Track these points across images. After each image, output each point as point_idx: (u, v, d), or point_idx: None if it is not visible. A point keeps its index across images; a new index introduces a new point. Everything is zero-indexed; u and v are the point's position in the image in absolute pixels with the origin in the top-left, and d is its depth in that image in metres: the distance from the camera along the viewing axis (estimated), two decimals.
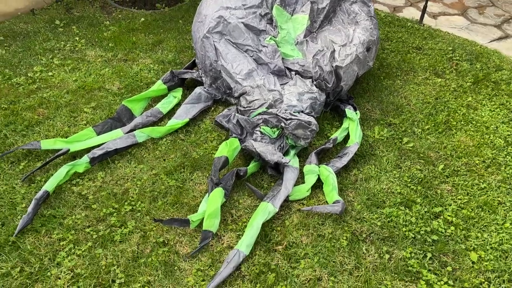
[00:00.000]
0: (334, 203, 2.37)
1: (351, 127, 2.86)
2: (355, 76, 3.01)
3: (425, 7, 4.33)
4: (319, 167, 2.58)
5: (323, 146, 2.71)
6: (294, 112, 2.72)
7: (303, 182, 2.55)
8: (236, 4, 3.04)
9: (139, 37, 3.97)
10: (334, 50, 2.93)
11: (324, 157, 2.76)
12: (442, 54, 3.88)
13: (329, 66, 2.89)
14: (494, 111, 3.24)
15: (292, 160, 2.60)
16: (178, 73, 3.26)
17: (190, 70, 3.31)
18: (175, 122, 2.92)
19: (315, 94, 2.82)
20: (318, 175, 2.55)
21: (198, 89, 3.14)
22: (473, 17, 4.64)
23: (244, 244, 2.16)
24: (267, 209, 2.31)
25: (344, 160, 2.63)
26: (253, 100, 2.82)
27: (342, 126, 2.91)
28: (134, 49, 3.79)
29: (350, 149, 2.70)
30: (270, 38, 2.98)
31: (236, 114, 2.79)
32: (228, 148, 2.55)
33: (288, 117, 2.63)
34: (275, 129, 2.65)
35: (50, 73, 3.45)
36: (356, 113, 2.97)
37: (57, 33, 3.98)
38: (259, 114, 2.73)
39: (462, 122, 3.11)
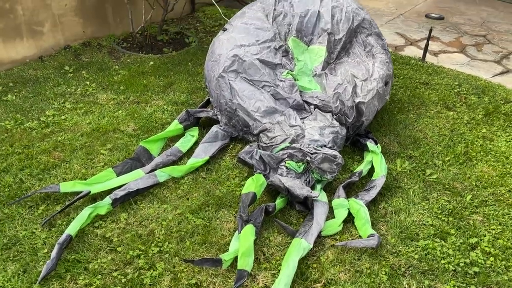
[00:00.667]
0: (368, 237, 2.31)
1: (375, 160, 2.84)
2: (375, 110, 3.04)
3: (426, 45, 4.45)
4: (348, 200, 2.53)
5: (350, 180, 2.68)
6: (317, 146, 2.70)
7: (333, 217, 2.49)
8: (249, 41, 3.07)
9: (149, 79, 3.99)
10: (356, 85, 2.95)
11: (350, 191, 2.72)
12: (450, 89, 3.95)
13: (351, 101, 2.90)
14: (510, 141, 3.27)
15: (320, 195, 2.55)
16: (194, 112, 3.25)
17: (205, 109, 3.31)
18: (195, 160, 2.88)
19: (336, 128, 2.82)
20: (348, 209, 2.50)
21: (214, 128, 3.12)
22: (472, 54, 4.78)
23: (282, 284, 2.06)
24: (301, 245, 2.23)
25: (372, 193, 2.60)
26: (275, 136, 2.80)
27: (365, 160, 2.89)
28: (146, 91, 3.80)
29: (377, 182, 2.67)
30: (287, 73, 3.00)
31: (259, 150, 2.76)
32: (255, 184, 2.50)
33: (312, 151, 2.61)
34: (300, 163, 2.62)
35: (63, 117, 3.41)
36: (378, 147, 2.96)
37: (67, 78, 3.98)
38: (282, 149, 2.71)
39: (481, 153, 3.12)
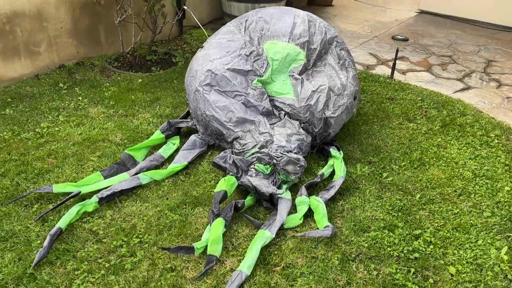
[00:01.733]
0: (324, 228, 2.62)
1: (336, 164, 3.18)
2: (343, 123, 3.38)
3: (394, 64, 4.85)
4: (309, 198, 2.86)
5: (312, 181, 3.01)
6: (283, 152, 3.03)
7: (296, 212, 2.81)
8: (221, 54, 3.36)
9: (137, 95, 4.34)
10: (329, 99, 3.25)
11: (313, 191, 3.04)
12: (413, 103, 4.32)
13: (321, 114, 3.22)
14: (461, 149, 3.62)
15: (285, 193, 2.87)
16: (175, 122, 3.59)
17: (185, 120, 3.65)
18: (175, 166, 3.20)
19: (302, 136, 3.16)
20: (309, 205, 2.82)
21: (193, 137, 3.45)
22: (437, 72, 5.18)
23: (246, 266, 2.37)
24: (264, 235, 2.54)
25: (332, 192, 2.92)
26: (246, 143, 3.13)
27: (327, 164, 3.22)
28: (134, 105, 4.14)
29: (336, 183, 3.00)
30: (258, 81, 3.29)
31: (232, 155, 3.09)
32: (226, 184, 2.83)
33: (279, 156, 2.94)
34: (267, 166, 2.95)
35: (56, 128, 3.74)
36: (340, 153, 3.30)
37: (61, 94, 4.32)
38: (252, 154, 3.04)
39: (434, 159, 3.46)
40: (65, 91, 4.40)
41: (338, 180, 3.02)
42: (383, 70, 5.15)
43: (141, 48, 5.34)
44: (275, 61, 3.35)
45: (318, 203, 2.79)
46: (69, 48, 4.91)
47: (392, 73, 4.89)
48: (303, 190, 2.92)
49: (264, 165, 2.95)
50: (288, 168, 2.93)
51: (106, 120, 3.89)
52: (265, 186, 2.80)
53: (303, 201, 2.83)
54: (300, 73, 3.39)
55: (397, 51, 4.80)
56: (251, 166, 2.98)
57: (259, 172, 2.94)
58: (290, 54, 3.33)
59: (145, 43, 5.41)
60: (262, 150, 3.02)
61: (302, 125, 3.28)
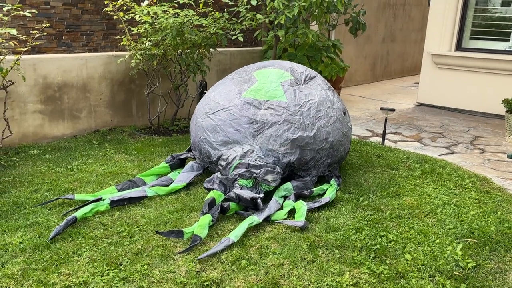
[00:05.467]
0: (299, 220, 3.04)
1: (330, 189, 3.65)
2: (341, 133, 3.87)
3: (384, 131, 5.45)
4: (295, 202, 3.33)
5: (302, 192, 3.51)
6: (261, 162, 3.53)
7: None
8: (215, 89, 4.08)
9: (157, 149, 5.04)
10: (320, 110, 3.78)
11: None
12: (398, 159, 4.82)
13: (313, 120, 3.71)
14: (436, 188, 4.01)
15: (278, 199, 3.37)
16: (177, 155, 4.23)
17: (185, 153, 4.29)
18: (176, 185, 3.74)
19: (279, 155, 3.65)
20: (294, 207, 3.28)
21: (190, 162, 4.04)
22: (426, 142, 5.72)
23: (234, 235, 2.81)
24: (253, 217, 3.00)
25: (316, 204, 3.39)
26: (227, 157, 3.64)
27: (320, 186, 3.71)
28: (152, 154, 4.82)
29: (322, 199, 3.47)
30: (247, 92, 3.83)
31: (218, 176, 3.61)
32: (214, 194, 3.34)
33: (258, 164, 3.45)
34: (249, 180, 3.45)
35: (84, 166, 4.41)
36: (338, 186, 3.77)
37: (93, 147, 5.08)
38: (236, 167, 3.53)
39: (409, 192, 3.86)
40: (97, 145, 5.17)
41: (325, 199, 3.48)
42: (377, 140, 5.74)
43: (165, 123, 6.21)
44: (263, 77, 3.93)
45: (302, 205, 3.26)
46: (105, 116, 5.82)
47: (383, 139, 5.47)
48: (291, 196, 3.41)
49: (246, 180, 3.46)
50: (268, 178, 3.43)
51: (127, 162, 4.56)
52: (247, 193, 3.28)
53: (289, 203, 3.33)
54: (291, 85, 3.90)
55: (385, 120, 5.44)
56: (235, 182, 3.48)
57: (243, 186, 3.44)
58: (276, 73, 3.95)
59: (169, 120, 6.29)
60: (243, 161, 3.50)
61: (298, 132, 3.68)
